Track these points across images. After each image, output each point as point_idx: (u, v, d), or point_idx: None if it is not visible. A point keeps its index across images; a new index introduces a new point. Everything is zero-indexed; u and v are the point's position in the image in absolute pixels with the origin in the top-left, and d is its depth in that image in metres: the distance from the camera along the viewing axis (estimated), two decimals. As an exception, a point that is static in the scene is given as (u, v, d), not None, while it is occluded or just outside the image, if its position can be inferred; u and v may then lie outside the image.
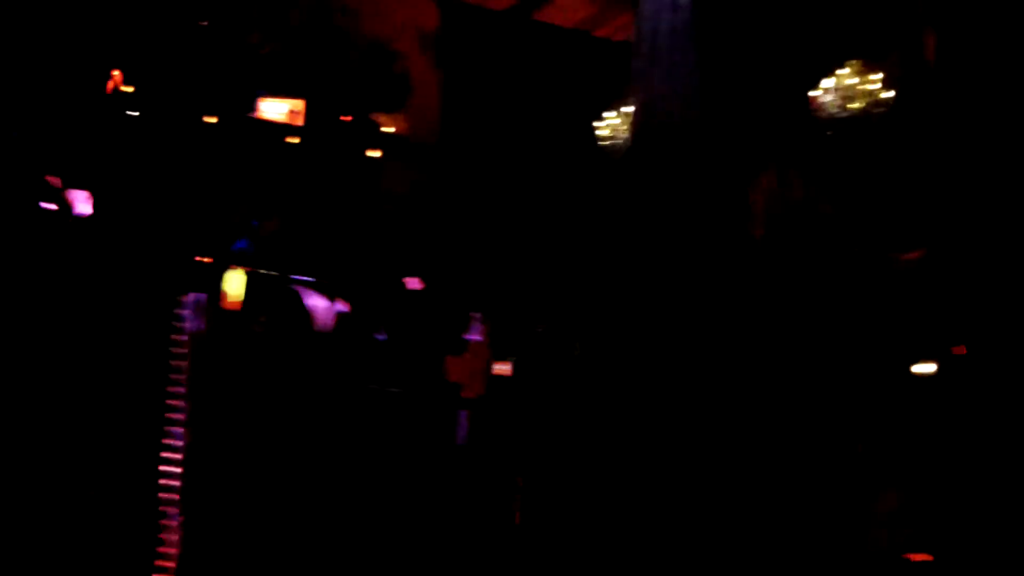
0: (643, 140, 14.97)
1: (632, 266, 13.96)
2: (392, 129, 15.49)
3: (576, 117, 16.04)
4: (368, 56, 15.54)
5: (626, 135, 15.52)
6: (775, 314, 12.75)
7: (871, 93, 14.22)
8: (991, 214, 12.57)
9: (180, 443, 9.26)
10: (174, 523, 9.06)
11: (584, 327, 13.09)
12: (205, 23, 14.53)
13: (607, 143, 15.78)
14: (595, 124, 15.99)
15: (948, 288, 12.50)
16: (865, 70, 14.20)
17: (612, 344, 12.18)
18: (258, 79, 15.07)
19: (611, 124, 15.75)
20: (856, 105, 14.28)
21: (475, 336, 12.01)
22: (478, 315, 12.14)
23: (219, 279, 9.85)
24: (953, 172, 13.37)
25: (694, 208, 14.69)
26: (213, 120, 14.10)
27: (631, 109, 15.63)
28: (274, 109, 14.99)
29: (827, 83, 14.33)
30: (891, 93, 14.05)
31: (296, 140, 14.50)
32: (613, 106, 15.82)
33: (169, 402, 9.20)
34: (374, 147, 15.20)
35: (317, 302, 10.84)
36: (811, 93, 14.47)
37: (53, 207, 9.76)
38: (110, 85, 13.60)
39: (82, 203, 10.36)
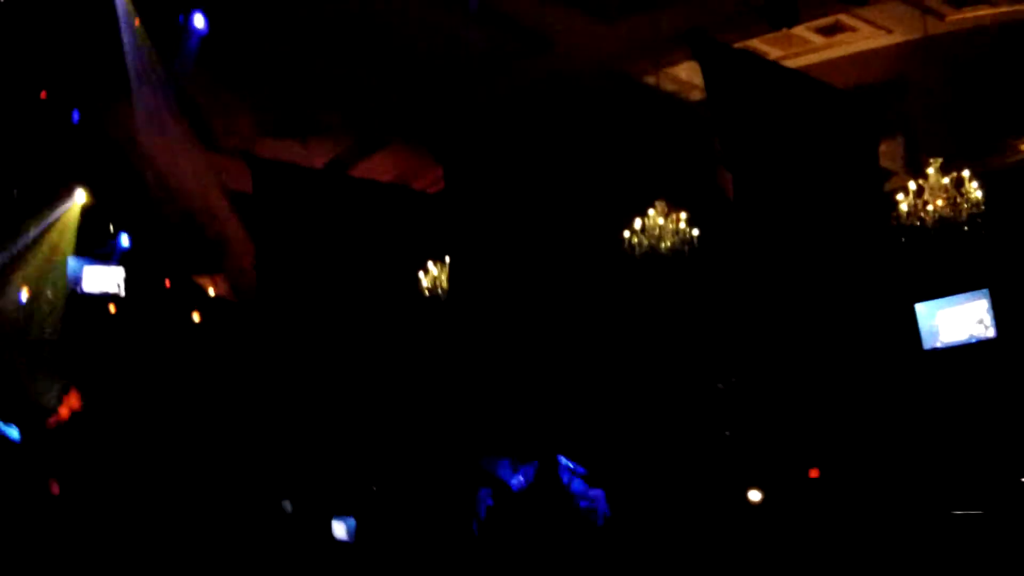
0: (459, 290, 15.39)
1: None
2: (212, 291, 15.42)
3: (398, 266, 16.16)
4: (185, 220, 15.48)
5: (447, 285, 15.82)
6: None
7: (679, 231, 14.82)
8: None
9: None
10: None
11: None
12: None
13: (428, 292, 16.00)
14: (418, 274, 16.20)
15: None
16: (671, 209, 14.83)
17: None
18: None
19: (432, 275, 16.00)
20: (665, 244, 14.83)
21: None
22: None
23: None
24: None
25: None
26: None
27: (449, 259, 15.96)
28: (97, 279, 14.76)
29: (637, 224, 14.86)
30: (696, 231, 14.71)
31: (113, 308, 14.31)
32: (434, 256, 16.10)
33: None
34: (195, 309, 15.06)
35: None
36: (624, 234, 14.93)
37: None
38: None
39: None
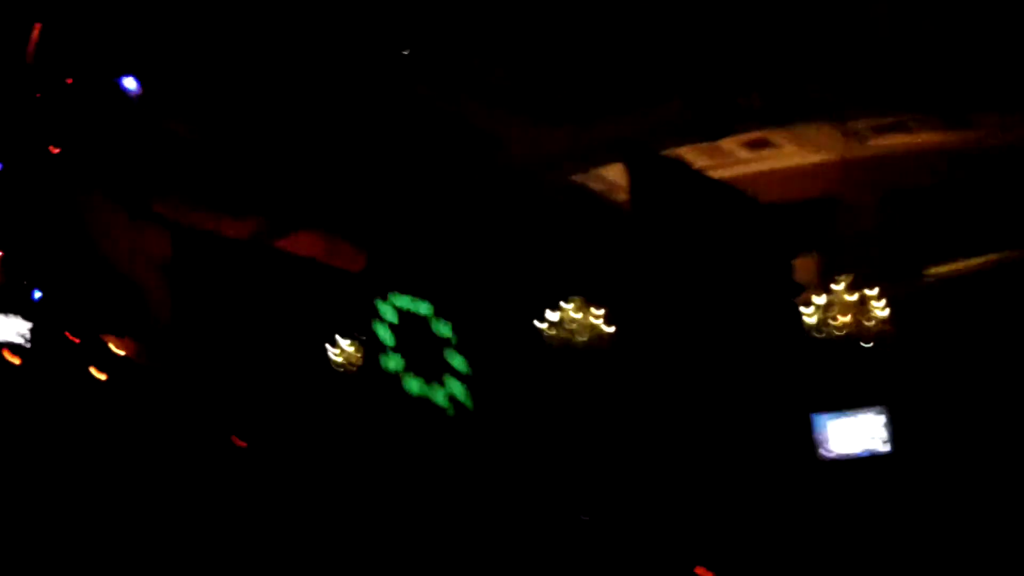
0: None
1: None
2: (122, 352, 15.27)
3: (312, 340, 16.14)
4: (101, 279, 15.39)
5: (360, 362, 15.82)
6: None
7: (593, 328, 14.93)
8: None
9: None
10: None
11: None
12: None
13: (341, 368, 15.98)
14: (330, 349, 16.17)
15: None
16: (586, 306, 14.96)
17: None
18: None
19: (345, 351, 15.99)
20: (581, 338, 14.93)
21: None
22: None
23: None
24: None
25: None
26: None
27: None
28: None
29: (552, 316, 14.97)
30: (611, 329, 14.84)
31: (17, 360, 14.17)
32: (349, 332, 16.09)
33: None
34: (101, 369, 14.89)
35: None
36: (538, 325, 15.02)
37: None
38: None
39: None
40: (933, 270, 14.84)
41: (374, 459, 14.88)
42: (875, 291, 13.49)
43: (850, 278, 13.71)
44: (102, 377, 14.74)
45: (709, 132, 14.49)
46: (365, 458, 14.92)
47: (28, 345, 14.43)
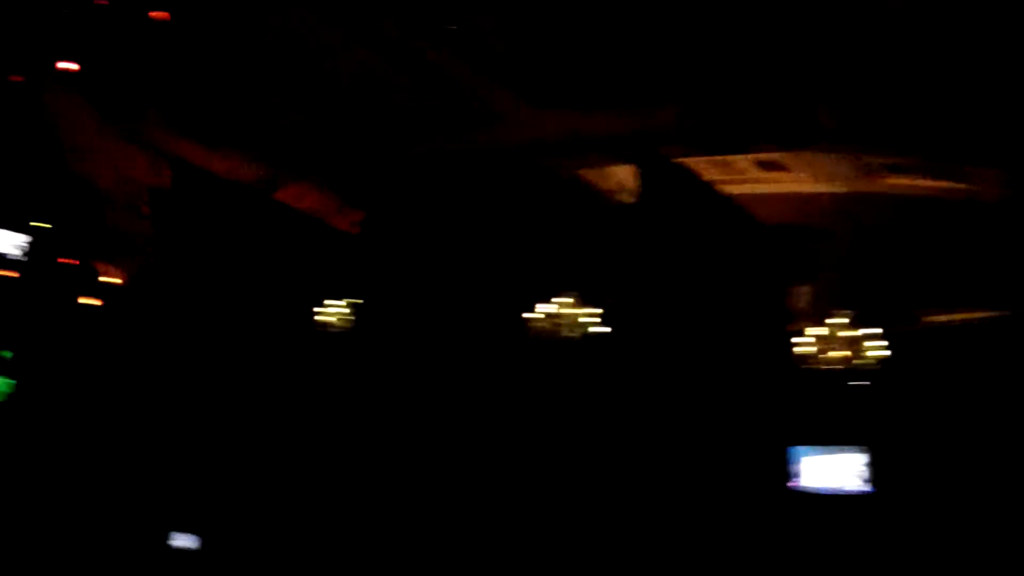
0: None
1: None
2: (113, 280, 15.09)
3: (302, 298, 16.09)
4: (98, 204, 15.19)
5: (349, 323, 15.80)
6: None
7: (583, 324, 14.98)
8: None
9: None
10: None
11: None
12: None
13: (328, 327, 15.95)
14: (318, 309, 16.13)
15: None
16: (580, 303, 15.00)
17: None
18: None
19: (336, 311, 15.95)
20: (567, 332, 14.97)
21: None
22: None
23: None
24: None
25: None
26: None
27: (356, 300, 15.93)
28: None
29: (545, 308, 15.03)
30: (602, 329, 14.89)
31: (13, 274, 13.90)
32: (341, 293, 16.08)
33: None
34: (92, 295, 14.73)
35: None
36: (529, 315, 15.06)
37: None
38: None
39: None
40: (926, 318, 14.93)
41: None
42: (869, 331, 13.58)
43: (846, 314, 13.78)
44: (87, 301, 14.59)
45: (716, 145, 14.47)
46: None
47: (23, 258, 14.10)
